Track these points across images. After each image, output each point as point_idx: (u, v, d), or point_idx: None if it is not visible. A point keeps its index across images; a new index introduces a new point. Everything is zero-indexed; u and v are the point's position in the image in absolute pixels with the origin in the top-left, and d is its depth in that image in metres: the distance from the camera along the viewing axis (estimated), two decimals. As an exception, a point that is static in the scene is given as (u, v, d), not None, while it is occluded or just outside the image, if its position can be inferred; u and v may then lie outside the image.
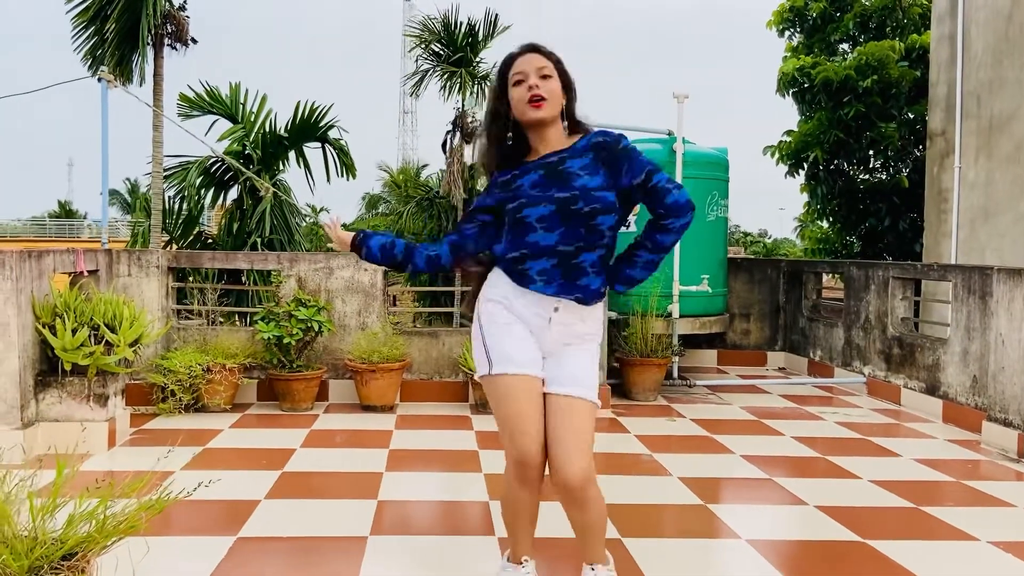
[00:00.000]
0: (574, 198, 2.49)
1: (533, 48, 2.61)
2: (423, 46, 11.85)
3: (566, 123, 2.62)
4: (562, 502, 2.57)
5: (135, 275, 6.09)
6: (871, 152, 12.64)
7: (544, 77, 2.55)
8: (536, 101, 2.52)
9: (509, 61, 2.62)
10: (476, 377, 2.81)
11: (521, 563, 2.77)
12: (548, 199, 2.50)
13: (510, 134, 2.61)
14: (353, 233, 2.78)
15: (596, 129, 2.64)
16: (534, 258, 2.53)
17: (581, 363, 2.60)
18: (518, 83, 2.55)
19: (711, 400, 6.72)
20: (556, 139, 2.60)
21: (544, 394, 2.56)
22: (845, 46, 14.15)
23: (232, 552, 3.25)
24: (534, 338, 2.59)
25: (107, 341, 4.68)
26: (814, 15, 13.99)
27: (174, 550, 3.23)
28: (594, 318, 2.64)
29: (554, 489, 2.54)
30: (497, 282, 2.62)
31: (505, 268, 2.60)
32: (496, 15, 11.57)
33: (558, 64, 2.60)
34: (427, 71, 11.98)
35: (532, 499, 2.65)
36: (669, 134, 7.15)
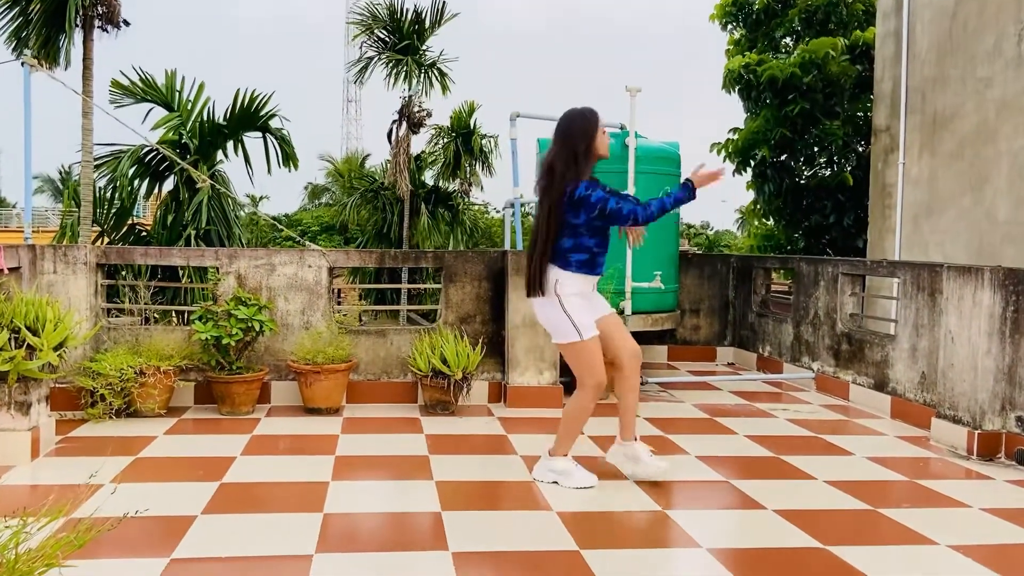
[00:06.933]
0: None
1: None
2: (367, 33, 11.53)
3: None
4: (625, 371, 4.26)
5: (61, 272, 5.74)
6: (816, 149, 12.79)
7: None
8: None
9: (598, 118, 4.19)
10: (566, 342, 4.14)
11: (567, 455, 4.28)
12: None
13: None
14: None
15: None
16: (601, 253, 4.19)
17: (604, 299, 4.42)
18: (603, 133, 4.19)
19: (663, 398, 6.66)
20: None
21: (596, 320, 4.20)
22: (788, 41, 14.27)
23: (165, 576, 3.02)
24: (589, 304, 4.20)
25: (29, 345, 4.36)
26: (757, 8, 14.07)
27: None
28: None
29: (623, 363, 4.25)
30: (568, 280, 4.10)
31: (584, 258, 4.11)
32: (443, 2, 11.33)
33: None
34: (372, 59, 11.67)
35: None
36: (621, 128, 7.05)
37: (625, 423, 4.32)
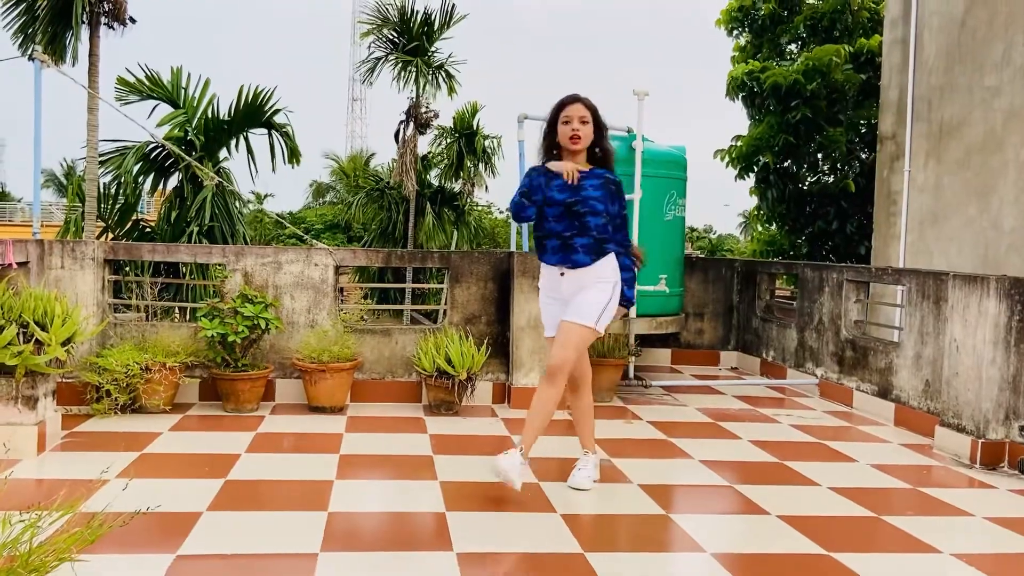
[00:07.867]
0: (576, 202, 3.93)
1: (578, 99, 3.97)
2: (377, 33, 11.56)
3: (597, 150, 4.03)
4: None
5: (69, 267, 5.75)
6: (819, 155, 12.79)
7: (583, 122, 3.94)
8: (574, 139, 3.95)
9: (562, 105, 3.97)
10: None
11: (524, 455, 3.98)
12: (560, 202, 3.96)
13: (556, 151, 4.03)
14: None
15: (610, 171, 4.06)
16: (549, 237, 4.01)
17: (580, 300, 3.96)
18: (565, 123, 3.95)
19: (667, 401, 6.66)
20: (581, 161, 4.03)
21: None
22: (793, 47, 14.28)
23: (171, 573, 3.02)
24: (555, 299, 4.06)
25: (37, 340, 4.38)
26: (762, 14, 14.07)
27: (105, 571, 2.99)
28: (595, 275, 3.97)
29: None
30: (541, 269, 4.14)
31: (536, 241, 4.09)
32: (453, 5, 11.37)
33: (594, 112, 3.98)
34: (380, 59, 11.70)
35: (554, 398, 3.95)
36: (628, 131, 7.06)
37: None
